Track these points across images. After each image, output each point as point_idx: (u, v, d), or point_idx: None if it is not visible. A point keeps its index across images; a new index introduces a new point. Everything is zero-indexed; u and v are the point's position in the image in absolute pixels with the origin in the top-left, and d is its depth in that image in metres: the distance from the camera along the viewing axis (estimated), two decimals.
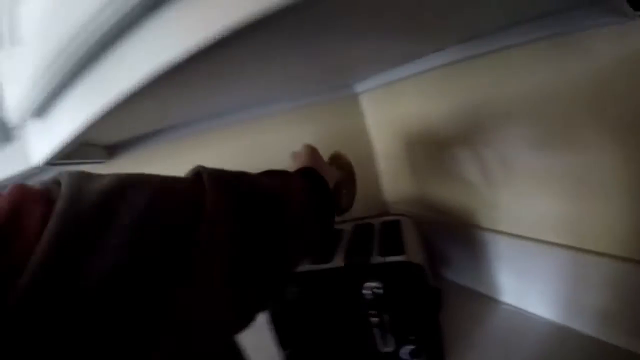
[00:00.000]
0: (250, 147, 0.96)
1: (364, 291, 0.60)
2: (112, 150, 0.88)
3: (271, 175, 0.46)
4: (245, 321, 0.34)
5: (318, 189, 0.50)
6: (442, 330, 0.65)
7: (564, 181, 0.59)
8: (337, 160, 0.73)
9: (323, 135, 0.98)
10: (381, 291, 0.59)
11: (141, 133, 0.88)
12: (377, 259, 0.65)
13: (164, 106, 0.62)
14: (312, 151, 0.62)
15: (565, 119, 0.55)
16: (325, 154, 0.97)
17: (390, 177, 1.03)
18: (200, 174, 0.35)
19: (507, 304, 0.75)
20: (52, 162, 0.57)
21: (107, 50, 0.36)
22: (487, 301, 0.78)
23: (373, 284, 0.60)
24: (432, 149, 0.83)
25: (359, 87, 0.99)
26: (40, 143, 0.53)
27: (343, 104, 1.01)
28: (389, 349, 0.62)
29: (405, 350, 0.62)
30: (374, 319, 0.61)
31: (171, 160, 0.93)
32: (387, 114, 0.96)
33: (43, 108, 0.47)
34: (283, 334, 0.67)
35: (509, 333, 0.68)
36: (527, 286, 0.70)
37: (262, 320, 0.67)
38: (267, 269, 0.35)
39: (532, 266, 0.68)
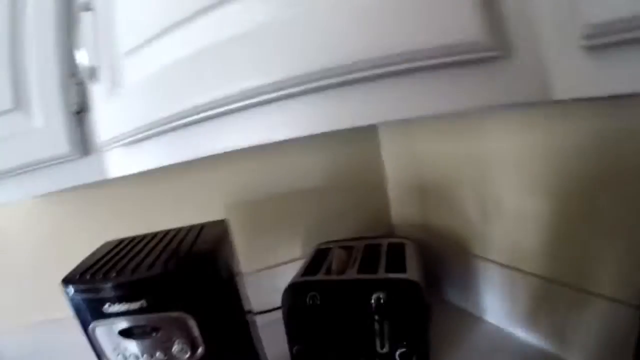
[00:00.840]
0: (274, 167, 1.08)
1: (372, 300, 0.72)
2: None
3: None
4: None
5: None
6: (430, 340, 0.77)
7: (545, 222, 0.71)
8: None
9: (340, 161, 1.12)
10: (384, 301, 0.71)
11: None
12: (382, 275, 0.78)
13: None
14: None
15: (548, 173, 0.69)
16: (342, 180, 1.11)
17: (399, 203, 1.16)
18: None
19: (491, 324, 0.88)
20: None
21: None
22: (473, 319, 0.91)
23: (379, 294, 0.72)
24: (439, 183, 0.96)
25: None
26: (120, 165, 0.61)
27: (362, 132, 1.14)
28: (385, 350, 0.74)
29: (398, 352, 0.73)
30: (376, 325, 0.72)
31: (205, 173, 1.04)
32: (402, 147, 1.09)
33: (130, 145, 0.57)
34: (295, 332, 0.79)
35: (490, 348, 0.80)
36: (509, 309, 0.82)
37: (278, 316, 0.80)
38: None
39: (514, 291, 0.80)
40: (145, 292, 0.55)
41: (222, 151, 0.45)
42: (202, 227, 0.72)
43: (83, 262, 0.63)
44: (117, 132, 0.54)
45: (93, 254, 0.67)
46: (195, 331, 0.56)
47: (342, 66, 0.35)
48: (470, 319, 0.92)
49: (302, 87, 0.38)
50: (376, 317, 0.72)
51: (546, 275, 0.74)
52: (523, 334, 0.81)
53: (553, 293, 0.72)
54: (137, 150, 0.56)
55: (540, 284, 0.74)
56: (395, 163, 1.14)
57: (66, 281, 0.58)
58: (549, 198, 0.70)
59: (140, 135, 0.52)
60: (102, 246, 0.71)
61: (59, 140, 0.61)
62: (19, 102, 0.62)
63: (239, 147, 0.44)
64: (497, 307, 0.87)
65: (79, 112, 0.61)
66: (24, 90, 0.62)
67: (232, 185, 1.07)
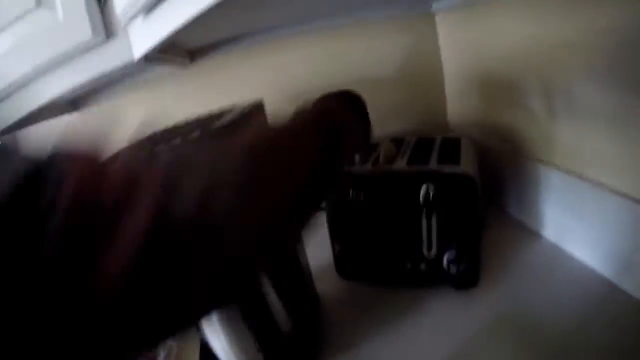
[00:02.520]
0: (327, 54, 0.98)
1: (421, 193, 0.63)
2: (193, 54, 0.94)
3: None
4: None
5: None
6: (481, 248, 0.67)
7: (631, 124, 0.53)
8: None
9: (394, 50, 0.98)
10: (433, 194, 0.62)
11: (222, 37, 0.92)
12: (434, 166, 0.67)
13: (252, 10, 0.65)
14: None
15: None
16: (396, 72, 0.97)
17: (456, 99, 1.01)
18: None
19: (548, 240, 0.74)
20: (149, 57, 0.63)
21: None
22: (530, 233, 0.77)
23: (428, 186, 0.63)
24: (501, 76, 0.81)
25: (436, 5, 0.96)
26: (143, 39, 0.58)
27: (418, 21, 0.98)
28: (432, 253, 0.66)
29: (447, 256, 0.65)
30: (424, 222, 0.64)
31: (250, 64, 0.98)
32: (460, 36, 0.93)
33: (149, 7, 0.52)
34: (338, 230, 0.72)
35: (544, 268, 0.68)
36: (572, 226, 0.67)
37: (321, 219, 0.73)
38: None
39: (581, 206, 0.64)
40: None
41: None
42: (232, 107, 0.62)
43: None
44: None
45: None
46: None
47: None
48: (526, 232, 0.78)
49: None
50: (424, 212, 0.64)
51: (620, 189, 0.57)
52: (581, 255, 0.66)
53: (624, 211, 0.55)
54: (156, 17, 0.52)
55: (613, 199, 0.57)
56: (453, 53, 0.98)
57: None
58: (630, 93, 0.52)
59: None
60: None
61: (82, 27, 0.60)
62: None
63: None
64: (556, 221, 0.72)
65: None
66: None
67: (278, 77, 0.99)
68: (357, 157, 0.73)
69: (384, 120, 1.00)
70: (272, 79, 0.99)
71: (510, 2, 0.71)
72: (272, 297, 0.60)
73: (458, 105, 1.01)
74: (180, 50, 0.88)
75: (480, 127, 0.91)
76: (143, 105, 1.02)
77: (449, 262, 0.65)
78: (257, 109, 0.62)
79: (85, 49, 0.62)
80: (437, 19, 0.99)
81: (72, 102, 1.04)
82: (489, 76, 0.86)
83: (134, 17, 0.54)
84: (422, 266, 0.67)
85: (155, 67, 0.81)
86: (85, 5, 0.60)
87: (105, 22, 0.61)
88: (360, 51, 0.99)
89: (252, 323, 0.55)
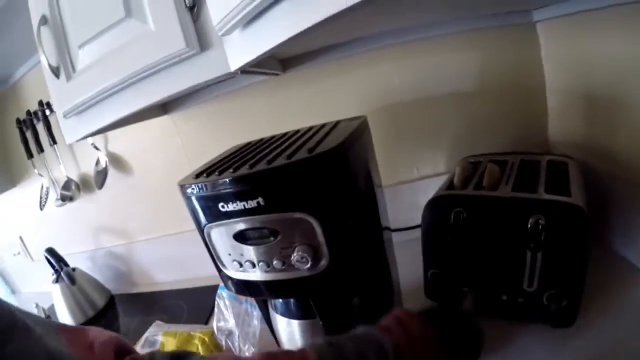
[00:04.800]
0: (421, 66, 0.92)
1: (529, 224, 0.57)
2: (286, 64, 0.92)
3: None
4: None
5: None
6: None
7: None
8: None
9: (492, 62, 0.90)
10: (543, 227, 0.56)
11: (317, 48, 0.89)
12: (543, 196, 0.60)
13: (348, 25, 0.62)
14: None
15: None
16: (494, 86, 0.90)
17: (559, 115, 0.91)
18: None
19: None
20: (244, 70, 0.61)
21: None
22: (633, 270, 0.68)
23: (539, 218, 0.56)
24: (614, 93, 0.71)
25: (538, 15, 0.86)
26: (240, 52, 0.56)
27: (518, 32, 0.89)
28: (533, 289, 0.60)
29: (547, 294, 0.59)
30: (529, 255, 0.58)
31: (343, 75, 0.93)
32: (566, 48, 0.83)
33: (249, 22, 0.49)
34: (434, 253, 0.68)
35: None
36: None
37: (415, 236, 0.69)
38: None
39: None
40: (263, 188, 0.44)
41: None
42: (337, 123, 0.59)
43: (204, 165, 0.56)
44: (231, 8, 0.48)
45: (216, 157, 0.60)
46: (320, 238, 0.45)
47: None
48: (630, 270, 0.69)
49: None
50: (531, 245, 0.58)
51: None
52: None
53: None
54: (255, 30, 0.50)
55: None
56: (558, 67, 0.88)
57: (183, 182, 0.51)
58: None
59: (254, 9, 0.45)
60: (228, 150, 0.63)
61: (175, 39, 0.59)
62: (130, 9, 0.62)
63: None
64: None
65: (193, 8, 0.58)
66: None
67: (371, 89, 0.94)
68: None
69: (481, 138, 0.95)
70: (365, 90, 0.94)
71: (625, 12, 0.62)
72: (358, 315, 0.58)
73: (561, 123, 0.91)
74: (274, 60, 0.86)
75: (586, 148, 0.81)
76: (234, 112, 1.02)
77: (550, 299, 0.59)
78: (363, 127, 0.58)
79: (178, 60, 0.61)
80: (540, 29, 0.89)
81: (163, 106, 1.06)
82: (600, 92, 0.75)
83: (231, 30, 0.52)
84: (520, 300, 0.62)
85: (248, 76, 0.79)
86: (178, 16, 0.58)
87: (199, 34, 0.59)
88: (455, 63, 0.91)
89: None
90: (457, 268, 0.66)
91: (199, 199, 0.49)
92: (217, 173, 0.48)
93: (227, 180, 0.46)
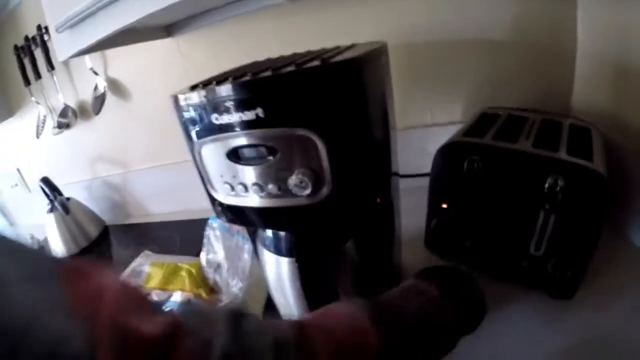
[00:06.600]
0: (448, 5, 0.84)
1: (547, 183, 0.52)
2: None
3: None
4: None
5: None
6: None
7: None
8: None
9: (525, 12, 0.82)
10: (561, 188, 0.51)
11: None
12: (565, 156, 0.55)
13: None
14: None
15: None
16: (524, 39, 0.83)
17: (587, 81, 0.84)
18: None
19: None
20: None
21: None
22: None
23: (557, 178, 0.51)
24: None
25: None
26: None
27: None
28: (539, 253, 0.56)
29: (552, 261, 0.55)
30: (542, 216, 0.53)
31: (364, 4, 0.85)
32: (606, 12, 0.74)
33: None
34: (439, 202, 0.63)
35: None
36: None
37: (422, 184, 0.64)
38: None
39: None
40: (265, 97, 0.38)
41: None
42: (352, 45, 0.53)
43: (203, 80, 0.49)
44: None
45: (217, 74, 0.53)
46: (324, 161, 0.39)
47: None
48: (637, 258, 0.64)
49: None
50: (546, 207, 0.53)
51: None
52: None
53: None
54: None
55: None
56: (593, 30, 0.79)
57: (176, 94, 0.46)
58: None
59: None
60: (231, 68, 0.56)
61: None
62: None
63: None
64: None
65: None
66: None
67: (394, 20, 0.86)
68: None
69: (502, 90, 0.88)
70: (387, 21, 0.86)
71: None
72: (352, 258, 0.54)
73: (587, 90, 0.84)
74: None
75: (609, 119, 0.74)
76: (241, 37, 0.94)
77: (554, 267, 0.56)
78: (382, 51, 0.52)
79: None
80: None
81: (166, 28, 0.98)
82: (631, 64, 0.68)
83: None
84: (524, 263, 0.58)
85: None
86: None
87: None
88: (486, 7, 0.83)
89: (327, 280, 0.50)
90: (462, 220, 0.62)
91: (192, 109, 0.43)
92: (214, 83, 0.42)
93: (225, 87, 0.39)
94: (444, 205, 0.62)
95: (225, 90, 0.39)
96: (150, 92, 1.09)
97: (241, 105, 0.38)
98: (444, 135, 0.64)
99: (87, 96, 1.15)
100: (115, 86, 1.11)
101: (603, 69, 0.77)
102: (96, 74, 1.09)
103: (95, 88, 1.12)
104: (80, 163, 1.32)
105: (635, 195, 0.66)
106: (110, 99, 1.12)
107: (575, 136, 0.62)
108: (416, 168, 0.74)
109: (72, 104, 1.20)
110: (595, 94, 0.81)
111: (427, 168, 0.62)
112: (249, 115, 0.38)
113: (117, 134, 1.20)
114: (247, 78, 0.39)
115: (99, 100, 1.12)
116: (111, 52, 1.06)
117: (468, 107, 0.89)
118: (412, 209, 0.64)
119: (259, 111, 0.38)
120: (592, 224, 0.53)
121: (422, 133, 0.90)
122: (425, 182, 0.64)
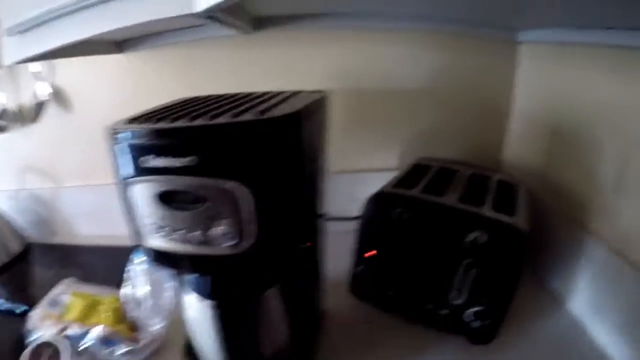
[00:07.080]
0: (392, 56, 0.88)
1: (469, 236, 0.55)
2: (258, 23, 0.85)
3: None
4: None
5: None
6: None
7: None
8: None
9: (465, 69, 0.88)
10: (482, 243, 0.54)
11: (292, 12, 0.83)
12: (489, 212, 0.58)
13: None
14: None
15: None
16: (462, 93, 0.87)
17: (518, 139, 0.91)
18: None
19: (573, 316, 0.67)
20: (211, 14, 0.55)
21: None
22: (556, 301, 0.70)
23: (479, 234, 0.55)
24: (574, 130, 0.70)
25: (523, 36, 0.85)
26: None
27: (498, 45, 0.88)
28: (459, 302, 0.59)
29: (472, 310, 0.58)
30: (462, 269, 0.56)
31: (311, 47, 0.88)
32: (544, 75, 0.82)
33: None
34: (365, 250, 0.65)
35: (561, 343, 0.62)
36: (604, 308, 0.61)
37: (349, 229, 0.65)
38: None
39: (617, 291, 0.58)
40: (199, 145, 0.37)
41: None
42: (296, 92, 0.54)
43: (142, 112, 0.48)
44: None
45: (158, 106, 0.52)
46: (251, 214, 0.39)
47: None
48: (554, 300, 0.71)
49: None
50: (466, 260, 0.56)
51: None
52: (604, 341, 0.60)
53: None
54: None
55: None
56: (530, 91, 0.87)
57: (114, 126, 0.43)
58: None
59: None
60: (172, 101, 0.55)
61: None
62: None
63: None
64: (588, 299, 0.64)
65: None
66: None
67: (337, 67, 0.89)
68: None
69: (438, 141, 0.93)
70: (331, 67, 0.89)
71: (611, 54, 0.61)
72: (276, 303, 0.53)
73: (518, 146, 0.91)
74: (246, 14, 0.79)
75: (536, 176, 0.81)
76: (194, 63, 0.93)
77: (474, 315, 0.58)
78: (323, 102, 0.53)
79: None
80: (521, 49, 0.88)
81: (118, 44, 0.95)
82: (561, 126, 0.76)
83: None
84: (444, 311, 0.61)
85: (215, 26, 0.71)
86: None
87: None
88: (426, 61, 0.88)
89: (249, 325, 0.50)
90: (387, 268, 0.64)
91: (127, 147, 0.41)
92: (153, 120, 0.41)
93: (159, 129, 0.39)
94: (371, 253, 0.63)
95: (160, 134, 0.39)
96: (94, 107, 1.03)
97: (177, 151, 0.38)
98: (375, 182, 0.67)
99: (30, 101, 1.08)
100: (58, 95, 1.05)
101: (535, 128, 0.84)
102: (40, 79, 1.02)
103: (36, 94, 1.05)
104: (9, 171, 1.22)
105: (554, 246, 0.73)
106: (51, 107, 1.06)
107: (501, 192, 0.67)
108: (345, 212, 0.75)
109: (14, 106, 1.11)
110: (524, 152, 0.88)
111: (355, 212, 0.64)
112: (182, 162, 0.38)
113: (53, 146, 1.12)
114: (186, 123, 0.39)
115: (39, 107, 1.05)
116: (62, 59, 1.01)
117: (404, 154, 0.93)
118: (338, 253, 0.65)
119: (194, 158, 0.37)
120: (511, 276, 0.56)
121: (354, 177, 0.92)
122: (352, 226, 0.65)
